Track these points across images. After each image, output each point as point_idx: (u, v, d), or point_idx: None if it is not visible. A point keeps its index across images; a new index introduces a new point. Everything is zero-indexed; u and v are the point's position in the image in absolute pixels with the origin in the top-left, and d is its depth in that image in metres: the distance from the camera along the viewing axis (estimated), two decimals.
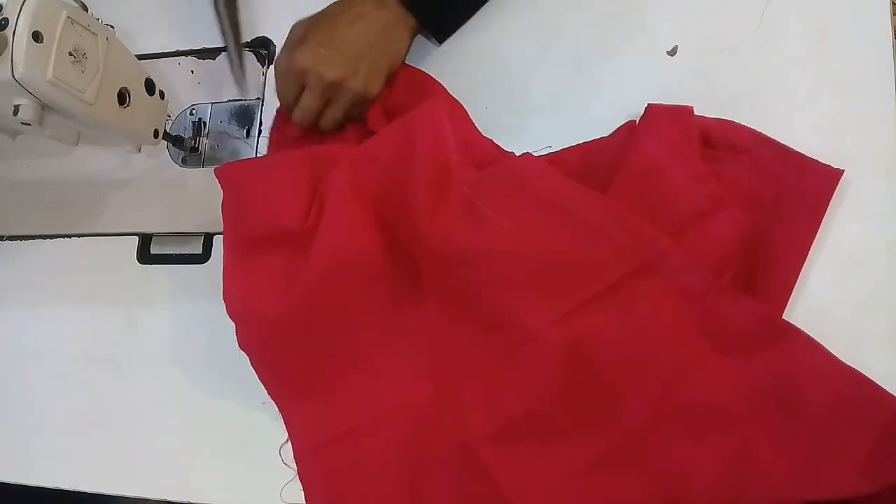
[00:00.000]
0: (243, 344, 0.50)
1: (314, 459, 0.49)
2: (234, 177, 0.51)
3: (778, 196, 0.46)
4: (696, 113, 0.48)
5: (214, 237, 0.58)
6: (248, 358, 0.50)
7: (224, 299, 0.49)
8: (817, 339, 0.43)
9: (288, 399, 0.51)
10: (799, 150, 0.46)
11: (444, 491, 0.47)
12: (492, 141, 0.53)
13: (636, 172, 0.47)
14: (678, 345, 0.44)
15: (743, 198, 0.46)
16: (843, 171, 0.45)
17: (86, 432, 0.55)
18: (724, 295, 0.44)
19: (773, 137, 0.47)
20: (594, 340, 0.45)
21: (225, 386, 0.53)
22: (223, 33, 0.60)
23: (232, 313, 0.49)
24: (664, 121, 0.48)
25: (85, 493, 0.54)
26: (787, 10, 0.50)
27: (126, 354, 0.57)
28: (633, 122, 0.50)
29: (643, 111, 0.49)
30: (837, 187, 0.45)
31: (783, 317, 0.44)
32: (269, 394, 0.50)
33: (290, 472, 0.49)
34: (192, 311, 0.56)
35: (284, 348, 0.50)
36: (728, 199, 0.45)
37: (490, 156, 0.51)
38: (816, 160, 0.46)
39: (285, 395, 0.51)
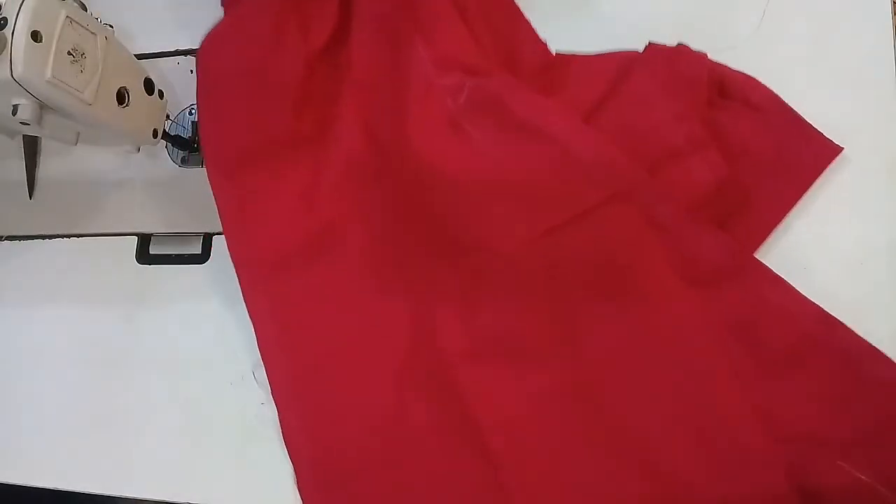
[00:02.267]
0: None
1: (292, 385, 0.50)
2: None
3: (774, 157, 0.47)
4: None
5: (214, 237, 0.58)
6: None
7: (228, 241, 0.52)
8: None
9: (266, 323, 0.51)
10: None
11: (422, 413, 0.47)
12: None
13: (623, 104, 0.48)
14: (646, 273, 0.45)
15: (739, 150, 0.46)
16: (842, 148, 0.46)
17: (84, 433, 0.55)
18: (693, 227, 0.44)
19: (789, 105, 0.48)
20: (564, 265, 0.46)
21: (224, 386, 0.53)
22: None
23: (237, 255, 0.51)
24: (660, 60, 0.49)
25: (82, 495, 0.54)
26: (788, 10, 0.50)
27: (125, 355, 0.56)
28: (635, 52, 0.50)
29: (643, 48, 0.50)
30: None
31: None
32: (248, 311, 0.51)
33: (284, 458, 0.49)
34: (191, 312, 0.56)
35: (281, 277, 0.51)
36: (707, 141, 0.46)
37: (473, 69, 0.51)
38: (821, 133, 0.46)
39: (264, 317, 0.51)
